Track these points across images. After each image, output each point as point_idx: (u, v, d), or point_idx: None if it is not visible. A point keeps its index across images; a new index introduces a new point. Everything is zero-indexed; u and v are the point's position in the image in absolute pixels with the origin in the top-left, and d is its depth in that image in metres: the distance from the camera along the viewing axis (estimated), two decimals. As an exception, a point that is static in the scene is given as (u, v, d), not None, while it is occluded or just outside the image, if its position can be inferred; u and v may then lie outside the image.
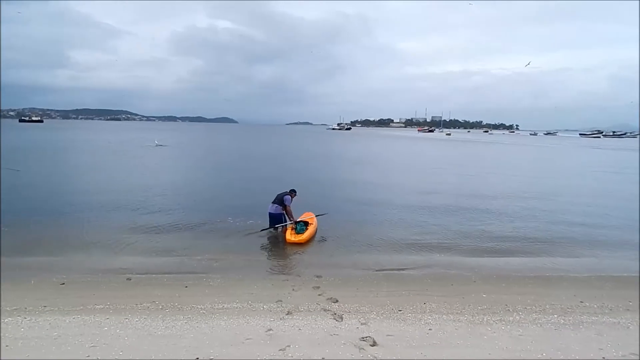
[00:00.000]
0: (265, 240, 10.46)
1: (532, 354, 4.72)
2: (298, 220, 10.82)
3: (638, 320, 5.84)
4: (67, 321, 5.45)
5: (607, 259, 9.59)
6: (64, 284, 7.25)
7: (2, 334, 4.96)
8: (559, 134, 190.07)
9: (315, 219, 11.00)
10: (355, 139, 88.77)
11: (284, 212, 10.91)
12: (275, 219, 10.87)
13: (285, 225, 10.83)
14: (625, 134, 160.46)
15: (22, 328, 5.21)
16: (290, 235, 10.22)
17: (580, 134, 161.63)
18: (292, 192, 11.22)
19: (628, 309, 6.36)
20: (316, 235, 10.69)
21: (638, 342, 5.06)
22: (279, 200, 10.88)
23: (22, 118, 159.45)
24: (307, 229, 10.50)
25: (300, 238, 10.12)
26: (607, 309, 6.35)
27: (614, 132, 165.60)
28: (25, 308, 5.94)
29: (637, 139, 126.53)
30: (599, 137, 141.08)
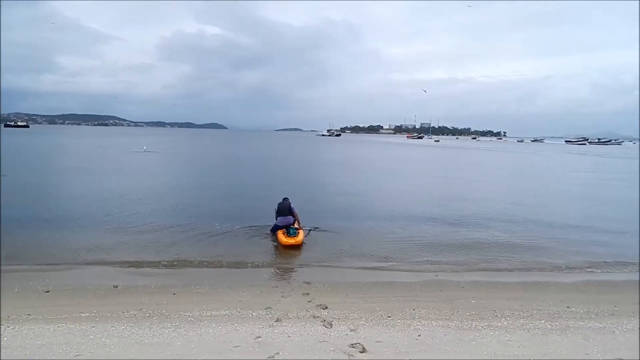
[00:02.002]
0: (254, 247, 10.41)
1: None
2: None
3: (627, 325, 5.93)
4: (52, 330, 5.34)
5: (593, 264, 9.71)
6: (48, 291, 7.13)
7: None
8: (545, 140, 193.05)
9: (301, 231, 10.96)
10: (345, 145, 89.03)
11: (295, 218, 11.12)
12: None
13: (302, 228, 11.05)
14: (610, 141, 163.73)
15: (5, 337, 5.09)
16: (286, 239, 10.33)
17: (565, 141, 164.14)
18: (286, 199, 11.42)
19: (613, 314, 6.45)
20: (305, 241, 10.67)
21: (622, 347, 5.14)
22: (288, 210, 11.04)
23: (8, 123, 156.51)
24: (298, 232, 10.62)
25: (297, 240, 10.30)
26: (593, 314, 6.44)
27: (599, 139, 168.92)
28: (9, 317, 5.81)
29: (622, 146, 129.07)
30: (585, 144, 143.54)
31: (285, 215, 10.97)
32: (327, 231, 11.73)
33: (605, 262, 9.87)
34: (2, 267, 8.29)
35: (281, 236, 10.52)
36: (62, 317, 5.87)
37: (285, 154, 52.43)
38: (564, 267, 9.46)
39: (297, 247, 10.24)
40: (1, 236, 10.25)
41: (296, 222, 11.06)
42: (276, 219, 11.06)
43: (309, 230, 11.47)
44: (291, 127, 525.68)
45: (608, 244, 11.47)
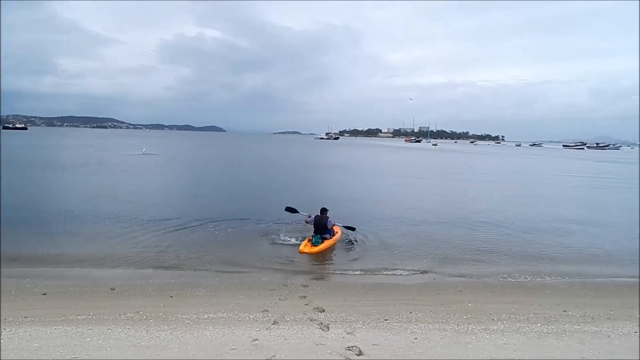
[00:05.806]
0: (251, 250, 10.39)
1: (515, 363, 4.78)
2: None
3: (623, 329, 5.96)
4: (48, 332, 5.34)
5: (590, 267, 9.75)
6: (45, 294, 7.12)
7: (-20, 346, 4.85)
8: (544, 145, 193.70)
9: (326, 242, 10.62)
10: (343, 148, 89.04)
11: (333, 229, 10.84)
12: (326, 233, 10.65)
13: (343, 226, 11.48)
14: (608, 145, 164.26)
15: (2, 339, 5.09)
16: (303, 246, 10.21)
17: (563, 145, 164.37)
18: (325, 211, 10.87)
19: (609, 318, 6.49)
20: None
21: (618, 350, 5.17)
22: (324, 228, 10.54)
23: (6, 125, 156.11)
24: (322, 242, 10.35)
25: (312, 250, 10.09)
26: (589, 318, 6.47)
27: (597, 143, 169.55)
28: (5, 319, 5.79)
29: (620, 150, 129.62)
30: (583, 148, 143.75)
31: (322, 233, 10.50)
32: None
33: (601, 265, 9.92)
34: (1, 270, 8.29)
35: (304, 242, 10.39)
36: (59, 319, 5.86)
37: (282, 157, 52.36)
38: (560, 270, 9.48)
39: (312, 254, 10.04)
40: (1, 237, 10.24)
41: (333, 235, 10.81)
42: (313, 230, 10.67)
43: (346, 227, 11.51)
44: (290, 130, 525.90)
45: (605, 247, 11.50)
